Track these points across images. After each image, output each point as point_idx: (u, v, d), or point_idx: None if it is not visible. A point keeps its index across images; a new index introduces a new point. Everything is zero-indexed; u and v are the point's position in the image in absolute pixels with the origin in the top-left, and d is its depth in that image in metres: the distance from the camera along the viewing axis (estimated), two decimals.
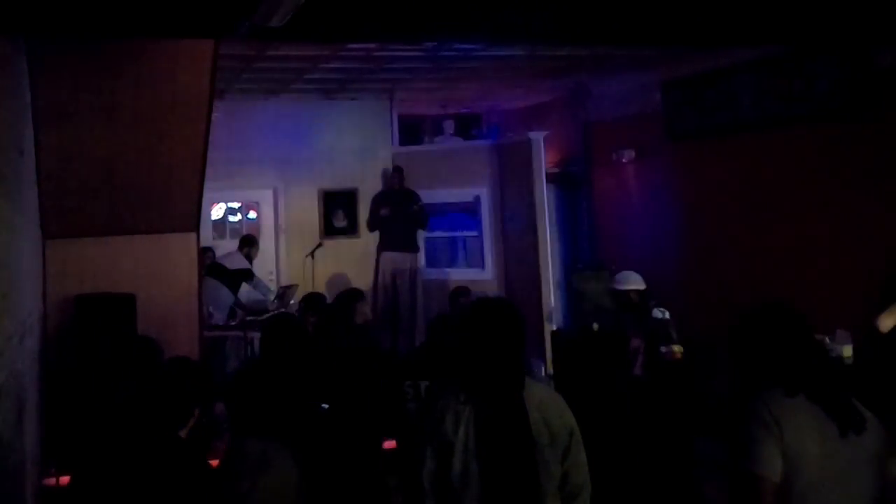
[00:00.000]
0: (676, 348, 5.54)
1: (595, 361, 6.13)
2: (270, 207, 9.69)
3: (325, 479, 3.60)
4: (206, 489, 3.00)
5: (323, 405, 4.19)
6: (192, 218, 6.04)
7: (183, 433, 3.15)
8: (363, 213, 9.57)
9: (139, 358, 4.62)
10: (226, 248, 8.92)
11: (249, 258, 8.49)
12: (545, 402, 2.68)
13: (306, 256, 8.82)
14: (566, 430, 2.65)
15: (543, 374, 8.02)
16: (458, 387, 2.65)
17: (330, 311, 5.29)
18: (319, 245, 9.00)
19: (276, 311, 7.86)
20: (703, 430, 5.37)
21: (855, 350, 5.36)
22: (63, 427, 5.01)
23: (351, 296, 5.25)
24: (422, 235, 9.58)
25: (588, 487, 2.69)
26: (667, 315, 5.73)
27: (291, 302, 7.88)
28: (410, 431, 3.70)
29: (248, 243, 8.58)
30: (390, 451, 4.56)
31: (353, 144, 9.66)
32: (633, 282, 5.68)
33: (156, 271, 5.96)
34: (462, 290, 6.58)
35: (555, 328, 8.51)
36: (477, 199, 9.68)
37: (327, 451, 3.84)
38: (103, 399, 4.55)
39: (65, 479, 4.79)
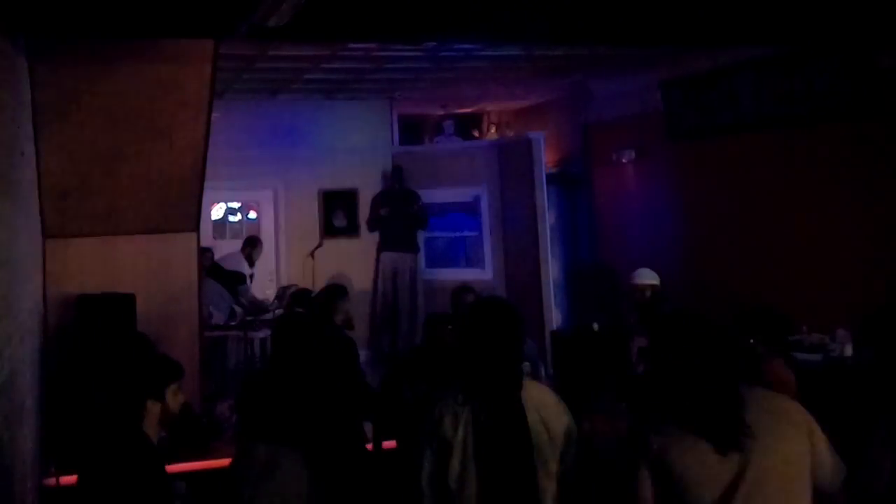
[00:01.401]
0: None
1: (595, 361, 6.12)
2: (270, 207, 9.68)
3: (336, 484, 3.57)
4: (156, 486, 2.91)
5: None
6: (192, 218, 6.04)
7: (149, 430, 2.98)
8: (363, 213, 9.57)
9: (131, 355, 4.61)
10: (226, 248, 8.92)
11: (251, 259, 8.48)
12: (543, 402, 2.68)
13: (306, 256, 8.82)
14: (564, 429, 2.65)
15: (543, 374, 8.01)
16: (456, 388, 2.65)
17: (312, 305, 5.27)
18: (319, 245, 9.00)
19: (276, 311, 7.86)
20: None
21: (855, 350, 5.36)
22: (63, 427, 5.01)
23: (332, 293, 5.23)
24: (422, 235, 9.58)
25: (586, 487, 2.69)
26: None
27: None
28: (409, 432, 3.69)
29: (251, 244, 8.58)
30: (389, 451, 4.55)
31: (353, 144, 9.66)
32: (649, 277, 5.67)
33: (156, 271, 5.95)
34: (465, 289, 6.41)
35: (555, 328, 8.51)
36: (477, 199, 9.68)
37: (338, 454, 3.80)
38: (97, 398, 4.55)
39: (65, 479, 4.79)
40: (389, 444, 4.60)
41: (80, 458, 3.13)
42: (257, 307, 7.97)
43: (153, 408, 2.99)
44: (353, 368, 4.85)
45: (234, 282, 8.06)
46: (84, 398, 4.75)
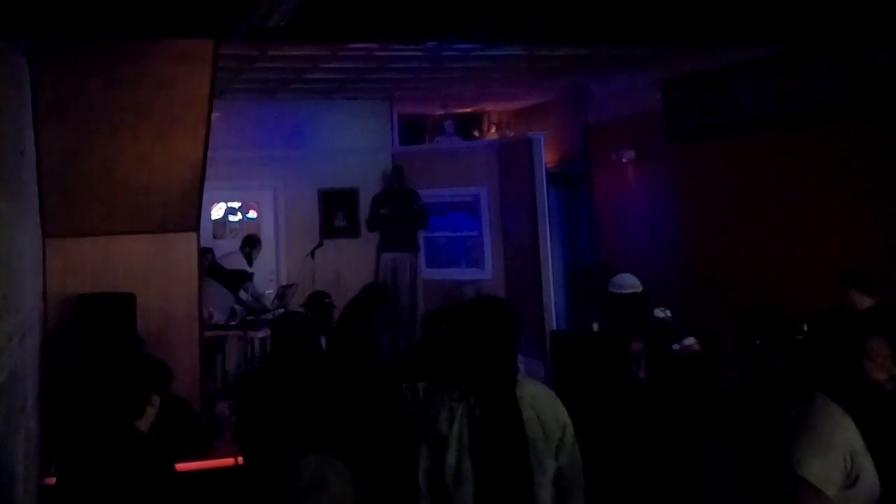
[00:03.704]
0: (690, 341, 5.41)
1: (595, 362, 6.10)
2: (270, 207, 9.68)
3: (382, 489, 3.53)
4: (163, 483, 2.95)
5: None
6: (192, 218, 6.05)
7: (142, 425, 3.07)
8: (363, 213, 9.57)
9: (126, 354, 4.62)
10: (226, 248, 8.92)
11: (250, 259, 8.48)
12: (538, 398, 2.69)
13: (306, 256, 8.82)
14: (559, 425, 2.66)
15: (544, 374, 8.02)
16: (452, 384, 2.66)
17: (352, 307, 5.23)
18: (319, 245, 9.00)
19: (276, 311, 7.85)
20: (706, 430, 5.33)
21: None
22: (63, 427, 5.01)
23: (376, 298, 5.22)
24: (422, 235, 9.58)
25: (581, 483, 2.70)
26: (668, 314, 5.65)
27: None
28: (409, 432, 3.68)
29: (250, 243, 8.58)
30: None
31: (353, 144, 9.66)
32: (631, 285, 5.60)
33: (156, 271, 5.96)
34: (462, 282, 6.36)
35: (555, 328, 8.51)
36: (477, 198, 9.68)
37: (384, 459, 3.77)
38: (87, 396, 4.55)
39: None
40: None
41: (79, 455, 3.14)
42: (260, 305, 7.98)
43: (151, 406, 3.06)
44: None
45: (238, 280, 8.07)
46: (93, 398, 4.75)
